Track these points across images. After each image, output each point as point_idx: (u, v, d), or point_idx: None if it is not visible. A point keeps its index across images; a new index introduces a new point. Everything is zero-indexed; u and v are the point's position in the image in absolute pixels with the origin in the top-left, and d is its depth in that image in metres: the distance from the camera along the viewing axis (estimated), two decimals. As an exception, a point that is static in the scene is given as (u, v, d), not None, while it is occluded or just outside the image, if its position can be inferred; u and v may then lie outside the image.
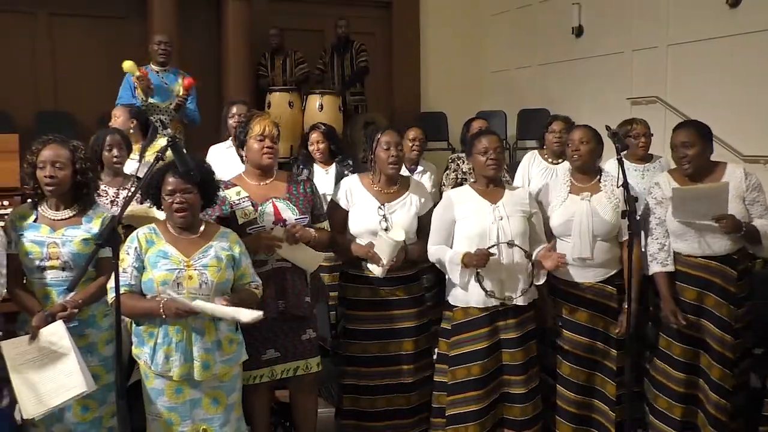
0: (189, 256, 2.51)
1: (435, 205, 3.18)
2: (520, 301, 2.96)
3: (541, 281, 2.98)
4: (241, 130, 2.96)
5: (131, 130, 4.12)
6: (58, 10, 6.49)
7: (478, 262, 2.85)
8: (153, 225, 2.62)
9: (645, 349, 3.28)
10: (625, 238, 3.03)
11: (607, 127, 3.01)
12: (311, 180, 3.14)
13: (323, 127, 4.32)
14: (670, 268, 3.08)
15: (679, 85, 5.62)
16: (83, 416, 2.57)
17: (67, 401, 2.43)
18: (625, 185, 2.77)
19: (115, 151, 3.44)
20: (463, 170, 4.41)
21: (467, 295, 2.99)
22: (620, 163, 2.83)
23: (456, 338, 3.02)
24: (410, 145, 4.29)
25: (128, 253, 2.51)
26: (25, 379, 2.41)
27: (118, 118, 4.23)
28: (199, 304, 2.39)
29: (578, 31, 6.65)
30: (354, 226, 3.12)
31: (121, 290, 2.37)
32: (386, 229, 3.05)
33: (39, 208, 2.63)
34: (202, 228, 2.60)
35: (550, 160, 4.26)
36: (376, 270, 3.02)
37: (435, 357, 3.25)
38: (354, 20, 6.96)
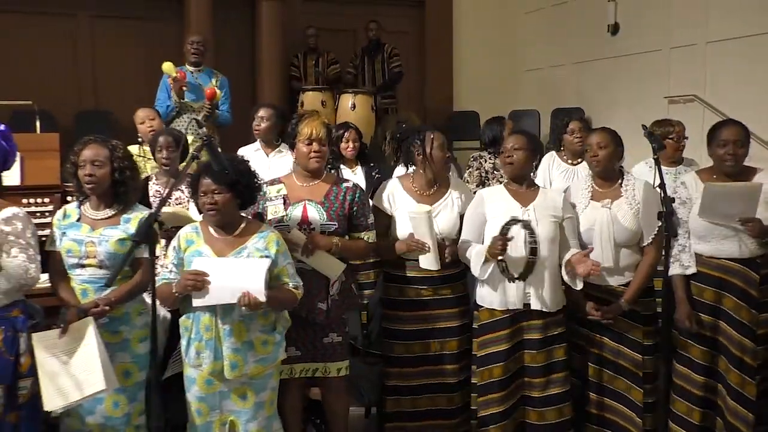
0: (222, 256, 2.55)
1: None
2: (524, 279, 2.89)
3: (578, 287, 2.91)
4: (291, 131, 2.97)
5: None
6: (99, 13, 6.64)
7: (494, 248, 2.81)
8: (197, 224, 2.68)
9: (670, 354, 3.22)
10: (646, 243, 2.98)
11: (644, 127, 2.96)
12: (358, 187, 3.01)
13: (354, 126, 4.33)
14: (691, 270, 3.03)
15: (718, 84, 5.50)
16: (114, 411, 2.62)
17: (86, 398, 2.47)
18: (662, 186, 2.72)
19: (164, 153, 3.50)
20: (486, 168, 4.38)
21: (491, 296, 2.97)
22: (657, 162, 2.78)
23: (482, 339, 3.01)
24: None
25: (170, 250, 2.64)
26: (50, 372, 2.47)
27: (153, 120, 4.28)
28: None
29: (614, 29, 6.56)
30: (401, 230, 3.07)
31: (160, 282, 2.52)
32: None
33: (82, 207, 2.70)
34: (240, 227, 2.62)
35: (569, 161, 4.21)
36: (428, 262, 2.97)
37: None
38: (386, 20, 6.97)
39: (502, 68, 7.81)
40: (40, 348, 2.49)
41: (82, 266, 2.62)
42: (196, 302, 2.47)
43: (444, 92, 7.76)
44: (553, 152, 4.32)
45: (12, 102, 5.31)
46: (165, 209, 3.29)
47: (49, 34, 6.47)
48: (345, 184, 2.98)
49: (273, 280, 2.61)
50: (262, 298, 2.42)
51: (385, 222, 3.14)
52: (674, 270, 3.04)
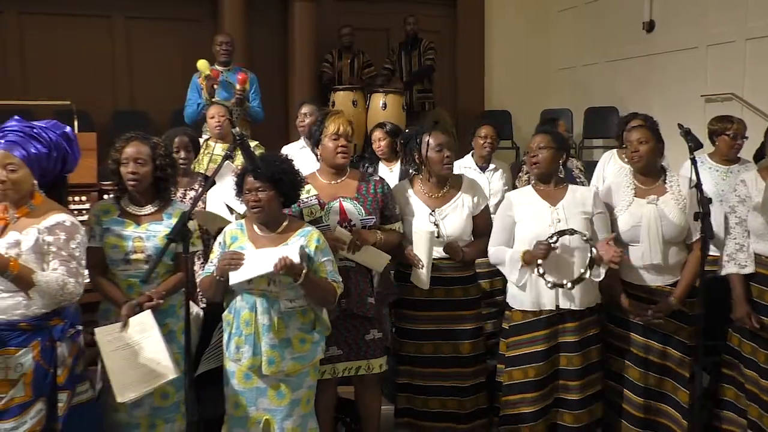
0: None
1: (496, 203, 3.14)
2: (571, 288, 2.85)
3: (600, 278, 2.88)
4: (316, 128, 2.99)
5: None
6: (134, 14, 6.76)
7: (537, 254, 2.79)
8: (242, 221, 2.73)
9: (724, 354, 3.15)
10: (694, 239, 2.93)
11: (680, 126, 2.91)
12: (383, 180, 3.08)
13: (387, 126, 4.35)
14: (749, 270, 2.95)
15: (757, 81, 5.37)
16: (163, 401, 2.67)
17: (156, 387, 2.53)
18: (698, 186, 2.67)
19: (182, 153, 3.55)
20: None
21: (524, 297, 2.95)
22: (693, 162, 2.73)
23: (514, 339, 2.99)
24: (482, 142, 4.26)
25: (215, 246, 2.70)
26: (118, 366, 2.52)
27: (222, 116, 4.31)
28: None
29: (649, 26, 6.45)
30: (409, 235, 3.08)
31: (204, 275, 2.63)
32: (437, 230, 3.03)
33: (121, 203, 2.74)
34: (283, 225, 2.65)
35: (626, 159, 4.14)
36: (418, 279, 2.99)
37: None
38: (418, 19, 6.95)
39: (534, 67, 7.74)
40: (103, 343, 2.54)
41: (128, 261, 2.65)
42: (233, 279, 2.50)
43: (475, 91, 7.73)
44: (613, 150, 4.26)
45: (52, 102, 5.43)
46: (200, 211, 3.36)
47: (86, 36, 6.61)
48: (371, 178, 3.04)
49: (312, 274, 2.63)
50: (297, 259, 2.43)
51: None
52: (729, 269, 2.98)
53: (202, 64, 4.99)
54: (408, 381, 3.17)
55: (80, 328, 2.58)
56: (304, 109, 4.43)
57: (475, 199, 3.14)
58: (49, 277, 2.32)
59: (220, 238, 2.71)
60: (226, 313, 2.69)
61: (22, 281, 2.27)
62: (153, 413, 2.67)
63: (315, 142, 3.01)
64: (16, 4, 6.42)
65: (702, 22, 5.87)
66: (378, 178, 3.06)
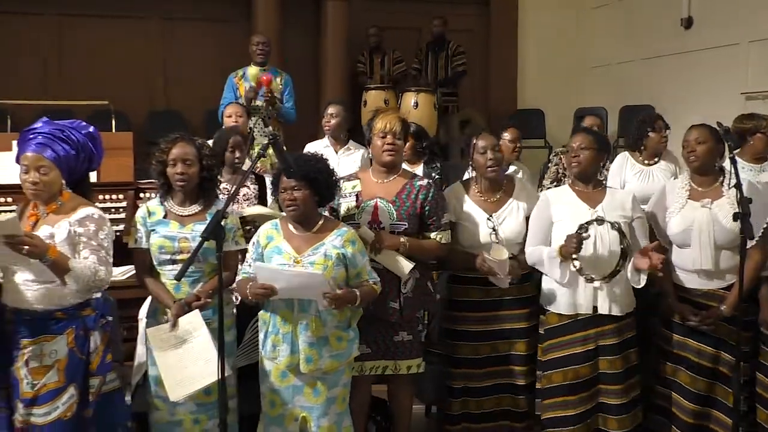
0: (300, 252, 2.61)
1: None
2: (607, 282, 2.82)
3: (641, 284, 2.83)
4: (366, 126, 3.00)
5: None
6: (170, 15, 6.87)
7: (569, 246, 2.76)
8: (277, 221, 2.74)
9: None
10: (749, 245, 2.81)
11: (719, 124, 2.84)
12: (432, 186, 2.95)
13: (411, 126, 4.30)
14: None
15: (800, 79, 5.23)
16: (206, 397, 2.69)
17: (207, 386, 2.55)
18: (738, 186, 2.61)
19: (237, 153, 3.58)
20: (565, 165, 4.29)
21: (560, 299, 2.91)
22: (732, 162, 2.67)
23: (550, 342, 2.95)
24: (509, 146, 4.24)
25: (251, 246, 2.73)
26: (169, 365, 2.56)
27: (241, 117, 4.36)
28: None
29: (687, 23, 6.31)
30: (465, 240, 3.05)
31: (240, 276, 2.67)
32: (495, 235, 3.00)
33: (166, 204, 2.78)
34: (318, 224, 2.67)
35: (645, 161, 4.06)
36: (498, 282, 2.96)
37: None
38: (451, 17, 6.94)
39: (567, 65, 7.65)
40: (155, 342, 2.59)
41: (174, 262, 2.69)
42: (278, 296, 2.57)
43: (508, 90, 7.67)
44: (626, 153, 4.18)
45: (90, 102, 5.56)
46: (252, 209, 3.38)
47: (124, 37, 6.75)
48: (419, 182, 2.94)
49: (353, 279, 2.65)
50: (326, 288, 2.50)
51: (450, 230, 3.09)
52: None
53: (253, 72, 5.07)
54: (464, 384, 3.12)
55: (110, 319, 2.66)
56: (331, 110, 4.44)
57: (529, 201, 3.09)
58: (82, 264, 2.41)
59: (254, 238, 2.73)
60: (262, 311, 2.70)
61: (59, 267, 2.35)
62: (196, 409, 2.70)
63: (367, 141, 3.01)
64: (57, 6, 6.58)
65: (743, 18, 5.72)
66: (426, 184, 2.93)
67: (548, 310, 2.97)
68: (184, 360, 2.56)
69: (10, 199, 3.69)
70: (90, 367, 2.50)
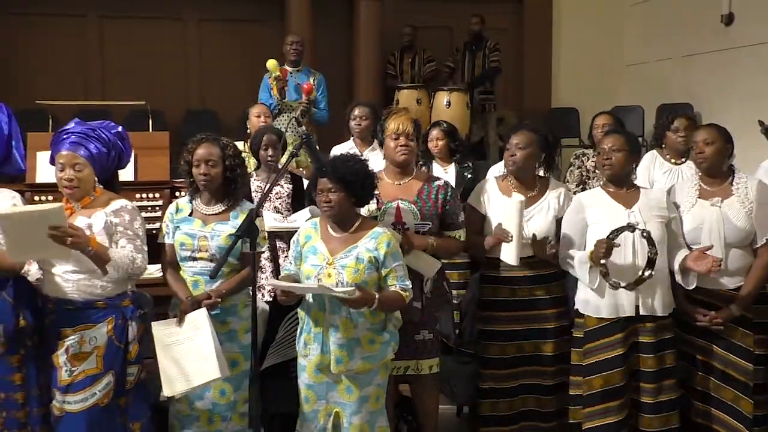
0: (334, 254, 2.61)
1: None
2: (631, 290, 2.78)
3: (692, 286, 2.81)
4: (379, 127, 3.01)
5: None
6: (205, 16, 6.97)
7: (598, 251, 2.73)
8: (316, 220, 2.76)
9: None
10: (759, 244, 2.82)
11: (761, 123, 2.78)
12: (448, 185, 3.00)
13: (444, 125, 4.30)
14: None
15: None
16: (220, 398, 2.73)
17: (202, 384, 2.59)
18: None
19: (270, 151, 3.61)
20: (587, 167, 4.23)
21: (598, 302, 2.86)
22: None
23: (590, 346, 2.89)
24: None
25: (292, 244, 2.77)
26: (168, 359, 2.60)
27: (269, 117, 4.40)
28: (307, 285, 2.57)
29: (728, 19, 6.16)
30: (493, 228, 3.04)
31: (283, 273, 2.71)
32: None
33: (193, 202, 2.83)
34: (355, 225, 2.67)
35: (672, 160, 3.97)
36: (508, 255, 2.93)
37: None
38: (485, 16, 6.88)
39: (603, 63, 7.53)
40: (159, 336, 2.63)
41: (194, 259, 2.73)
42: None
43: (543, 88, 7.60)
44: (654, 151, 4.10)
45: (128, 102, 5.67)
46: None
47: (161, 39, 6.87)
48: (436, 182, 2.97)
49: (382, 282, 2.64)
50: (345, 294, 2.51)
51: (479, 221, 3.11)
52: None
53: (271, 64, 5.10)
54: (493, 385, 3.11)
55: (146, 311, 2.74)
56: (359, 111, 4.43)
57: (561, 202, 3.07)
58: (121, 253, 2.51)
59: (295, 237, 2.76)
60: (299, 308, 2.73)
61: (101, 257, 2.43)
62: (212, 408, 2.74)
63: (379, 142, 3.02)
64: (97, 9, 6.73)
65: (786, 14, 5.58)
66: (443, 183, 2.98)
67: (585, 314, 2.93)
68: (183, 357, 2.59)
69: (51, 198, 3.79)
70: (128, 356, 2.57)
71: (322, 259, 2.61)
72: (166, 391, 2.58)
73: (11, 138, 2.68)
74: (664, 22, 6.98)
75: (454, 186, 3.24)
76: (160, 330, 2.64)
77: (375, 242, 2.62)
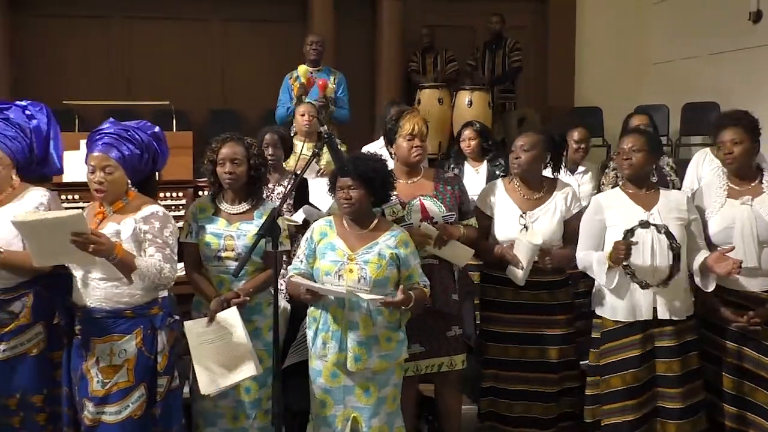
0: (354, 250, 2.62)
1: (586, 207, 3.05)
2: (660, 291, 2.75)
3: (710, 288, 2.77)
4: (391, 127, 3.02)
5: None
6: (229, 17, 7.02)
7: (618, 253, 2.70)
8: (330, 218, 2.77)
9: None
10: None
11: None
12: (458, 177, 3.10)
13: (477, 125, 4.32)
14: None
15: None
16: (245, 396, 2.75)
17: (238, 382, 2.62)
18: None
19: (270, 150, 3.62)
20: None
21: (615, 304, 2.84)
22: None
23: (607, 346, 2.88)
24: (575, 146, 4.16)
25: (303, 242, 2.75)
26: (203, 359, 2.61)
27: (313, 117, 4.40)
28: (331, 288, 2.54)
29: (756, 16, 6.07)
30: (500, 233, 3.05)
31: (290, 273, 2.67)
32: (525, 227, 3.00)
33: (216, 202, 2.84)
34: (373, 224, 2.68)
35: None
36: (515, 275, 2.95)
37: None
38: (507, 14, 6.85)
39: (627, 61, 7.45)
40: (192, 336, 2.64)
41: (220, 258, 2.74)
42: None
43: (565, 87, 7.52)
44: (707, 149, 4.04)
45: (152, 102, 5.73)
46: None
47: (185, 39, 6.94)
48: (446, 175, 3.06)
49: (405, 280, 2.66)
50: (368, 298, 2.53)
51: (486, 224, 3.11)
52: None
53: (302, 70, 5.14)
54: (493, 384, 3.13)
55: (177, 317, 2.69)
56: (394, 111, 4.45)
57: (568, 203, 3.06)
58: (148, 261, 2.44)
59: (307, 234, 2.75)
60: (312, 309, 2.72)
61: (126, 265, 2.39)
62: (236, 406, 2.75)
63: (389, 141, 3.03)
64: (122, 10, 6.82)
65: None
66: (452, 176, 3.08)
67: (601, 316, 2.91)
68: (219, 356, 2.60)
69: (77, 197, 3.84)
70: (158, 367, 2.53)
71: (342, 254, 2.62)
72: (203, 390, 2.59)
73: (49, 139, 2.69)
74: (691, 20, 6.88)
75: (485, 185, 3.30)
76: (193, 330, 2.65)
77: (395, 240, 2.64)
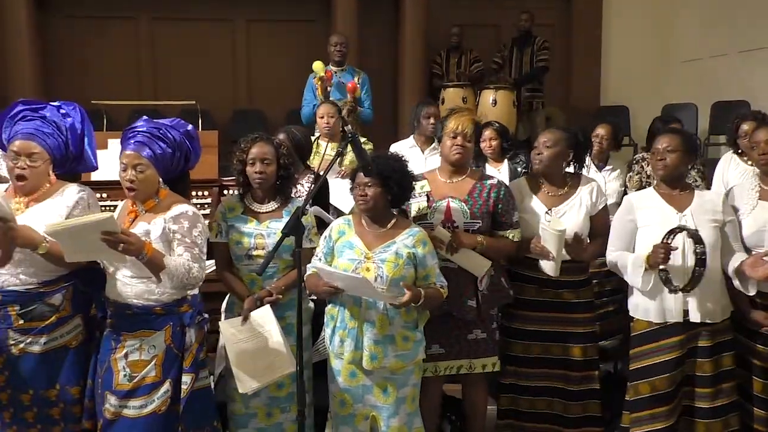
0: (372, 249, 2.63)
1: (612, 204, 3.01)
2: (687, 292, 2.71)
3: (752, 292, 2.72)
4: (440, 124, 3.01)
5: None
6: (253, 17, 7.07)
7: (656, 256, 2.66)
8: (349, 217, 2.80)
9: None
10: None
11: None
12: (502, 184, 2.97)
13: (497, 125, 4.33)
14: None
15: None
16: (278, 392, 2.77)
17: (276, 379, 2.64)
18: None
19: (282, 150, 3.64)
20: (648, 173, 4.13)
21: (647, 305, 2.80)
22: None
23: (639, 350, 2.84)
24: (597, 141, 4.14)
25: (321, 240, 2.76)
26: (240, 358, 2.64)
27: (333, 117, 4.41)
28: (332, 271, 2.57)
29: (788, 13, 5.94)
30: (524, 232, 3.01)
31: (310, 271, 2.68)
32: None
33: (245, 201, 2.86)
34: (391, 223, 2.69)
35: (750, 162, 3.83)
36: (547, 267, 2.92)
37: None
38: (532, 12, 6.79)
39: (654, 59, 7.34)
40: (227, 335, 2.66)
41: (251, 257, 2.76)
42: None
43: (591, 86, 7.47)
44: (731, 153, 3.97)
45: (178, 102, 5.79)
46: None
47: (209, 39, 7.01)
48: (489, 181, 2.96)
49: (421, 280, 2.66)
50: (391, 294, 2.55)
51: None
52: None
53: (317, 66, 5.15)
54: (514, 381, 3.12)
55: (206, 316, 2.70)
56: (433, 110, 4.47)
57: (594, 198, 3.03)
58: (176, 261, 2.45)
59: (326, 232, 2.77)
60: (330, 306, 2.74)
61: (154, 265, 2.40)
62: (270, 402, 2.77)
63: (438, 139, 3.01)
64: (149, 10, 6.90)
65: None
66: (496, 182, 2.96)
67: (634, 317, 2.87)
68: (255, 354, 2.62)
69: (105, 195, 3.89)
70: (183, 364, 2.55)
71: (359, 253, 2.63)
72: (241, 389, 2.62)
73: (83, 136, 2.71)
74: (720, 16, 6.76)
75: (508, 184, 3.22)
76: (229, 329, 2.67)
77: (413, 240, 2.64)
